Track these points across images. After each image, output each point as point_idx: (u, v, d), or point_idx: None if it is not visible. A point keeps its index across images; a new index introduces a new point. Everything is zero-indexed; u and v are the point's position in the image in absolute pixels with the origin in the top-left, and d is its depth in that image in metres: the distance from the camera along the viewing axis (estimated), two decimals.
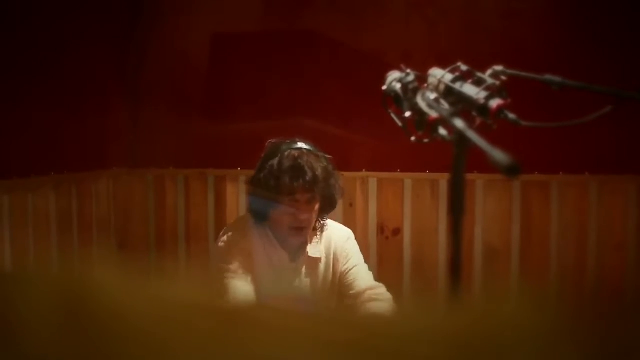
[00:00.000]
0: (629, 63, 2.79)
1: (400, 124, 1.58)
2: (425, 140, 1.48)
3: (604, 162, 2.92)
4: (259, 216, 2.40)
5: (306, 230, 2.36)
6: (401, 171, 3.08)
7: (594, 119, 1.49)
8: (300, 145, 2.34)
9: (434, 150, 1.60)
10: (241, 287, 2.29)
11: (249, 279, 2.31)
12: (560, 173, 2.97)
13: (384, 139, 3.01)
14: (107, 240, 3.23)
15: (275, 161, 2.30)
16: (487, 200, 3.04)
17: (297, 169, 2.27)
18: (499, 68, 1.55)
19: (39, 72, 2.74)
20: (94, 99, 3.10)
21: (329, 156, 2.39)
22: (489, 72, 1.54)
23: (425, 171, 3.07)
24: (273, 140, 2.37)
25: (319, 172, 2.29)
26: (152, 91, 3.38)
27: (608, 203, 2.95)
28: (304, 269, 2.43)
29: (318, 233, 2.45)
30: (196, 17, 3.30)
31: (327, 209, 2.42)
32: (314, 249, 2.45)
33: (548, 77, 1.60)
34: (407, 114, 1.51)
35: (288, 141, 2.35)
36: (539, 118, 1.53)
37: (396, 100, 1.59)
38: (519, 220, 3.04)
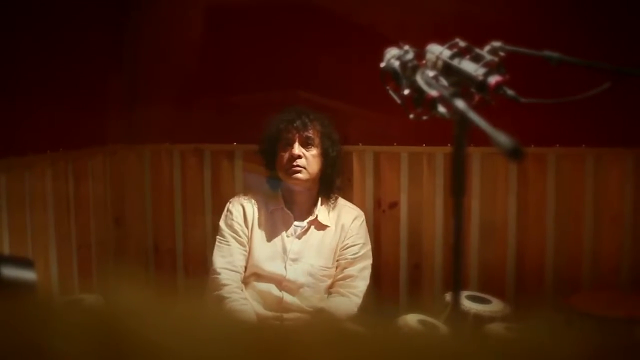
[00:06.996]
0: (626, 39, 2.78)
1: (398, 101, 1.57)
2: (424, 118, 1.48)
3: (601, 134, 2.92)
4: (270, 170, 2.77)
5: (304, 172, 2.64)
6: (398, 144, 3.08)
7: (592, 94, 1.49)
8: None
9: (430, 124, 1.59)
10: (233, 255, 2.69)
11: (243, 245, 2.70)
12: (557, 145, 2.97)
13: (381, 113, 3.01)
14: (104, 217, 3.23)
15: (275, 115, 2.75)
16: (483, 173, 3.04)
17: (289, 113, 2.70)
18: (497, 44, 1.54)
19: (34, 50, 2.71)
20: (89, 75, 3.07)
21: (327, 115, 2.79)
22: (487, 48, 1.54)
23: (421, 145, 3.06)
24: None
25: (310, 116, 2.69)
26: (148, 67, 3.35)
27: (604, 175, 2.95)
28: (311, 230, 2.70)
29: (330, 204, 2.75)
30: None
31: (327, 160, 2.71)
32: (324, 217, 2.72)
33: (546, 52, 1.59)
34: (406, 91, 1.51)
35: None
36: (537, 92, 1.53)
37: (394, 77, 1.59)
38: (516, 193, 3.05)
